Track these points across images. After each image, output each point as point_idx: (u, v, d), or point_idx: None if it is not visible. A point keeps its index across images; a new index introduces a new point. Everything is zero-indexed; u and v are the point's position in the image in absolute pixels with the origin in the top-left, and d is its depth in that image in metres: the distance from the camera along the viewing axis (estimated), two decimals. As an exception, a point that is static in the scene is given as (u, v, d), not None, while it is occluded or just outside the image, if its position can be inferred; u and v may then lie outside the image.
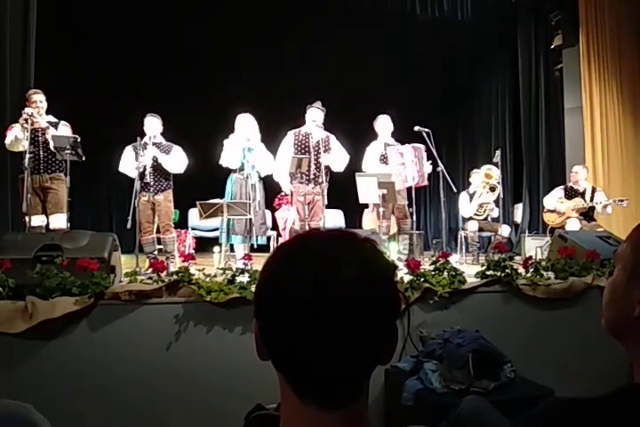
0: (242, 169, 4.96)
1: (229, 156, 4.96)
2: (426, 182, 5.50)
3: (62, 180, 4.55)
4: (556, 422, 0.82)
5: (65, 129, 4.65)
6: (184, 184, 5.20)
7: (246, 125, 5.02)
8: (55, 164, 4.55)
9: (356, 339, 0.65)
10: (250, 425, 1.02)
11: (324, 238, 0.72)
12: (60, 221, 4.44)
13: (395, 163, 5.32)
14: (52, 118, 4.70)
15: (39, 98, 4.59)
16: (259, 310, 0.70)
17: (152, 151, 4.73)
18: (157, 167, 4.78)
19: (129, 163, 4.76)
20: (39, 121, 4.48)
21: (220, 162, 5.02)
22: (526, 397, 2.48)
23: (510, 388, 2.59)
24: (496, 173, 6.09)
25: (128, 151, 4.82)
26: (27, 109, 4.36)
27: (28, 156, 4.15)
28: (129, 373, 2.79)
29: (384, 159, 5.39)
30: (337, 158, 5.18)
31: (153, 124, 4.86)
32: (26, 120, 4.27)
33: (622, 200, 5.86)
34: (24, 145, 4.25)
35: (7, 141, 4.35)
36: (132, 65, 7.36)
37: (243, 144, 4.94)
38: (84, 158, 4.60)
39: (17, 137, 4.29)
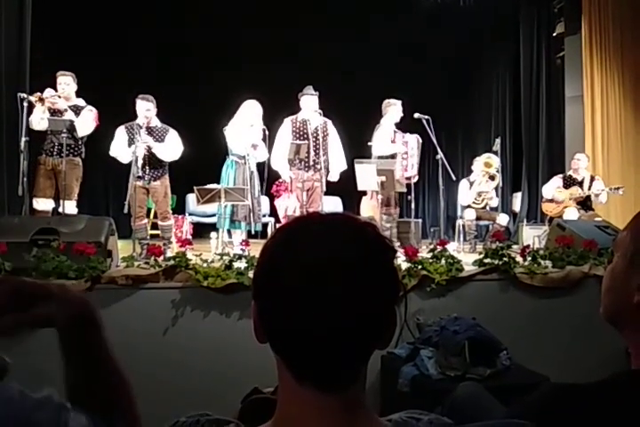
0: (243, 155, 4.92)
1: (241, 140, 4.88)
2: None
3: (76, 164, 4.52)
4: (553, 407, 0.83)
5: (88, 114, 4.59)
6: (181, 169, 5.16)
7: (252, 112, 4.96)
8: (70, 147, 4.47)
9: (354, 322, 0.65)
10: (247, 409, 1.03)
11: (325, 221, 0.71)
12: (69, 207, 4.43)
13: (401, 149, 5.34)
14: (80, 102, 4.66)
15: (64, 80, 4.55)
16: (258, 291, 0.69)
17: (145, 140, 4.57)
18: (151, 156, 4.62)
19: (120, 147, 4.62)
20: (57, 102, 4.44)
21: (235, 149, 4.92)
22: (521, 384, 2.50)
23: (506, 375, 2.61)
24: (496, 161, 6.06)
25: (120, 134, 4.66)
26: (46, 90, 4.39)
27: (24, 139, 4.12)
28: (125, 357, 2.77)
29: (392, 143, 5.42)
30: (337, 159, 5.18)
31: (145, 108, 4.63)
32: (40, 100, 4.27)
33: (618, 188, 5.84)
34: (45, 126, 4.31)
35: (30, 119, 4.35)
36: (129, 48, 7.27)
37: (246, 130, 4.89)
38: (80, 142, 4.56)
39: (41, 118, 4.33)
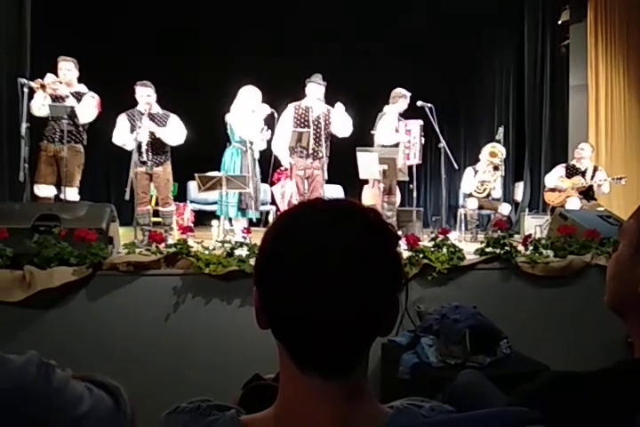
0: (244, 142, 4.90)
1: (247, 126, 4.85)
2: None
3: (78, 151, 4.52)
4: (553, 395, 0.82)
5: (90, 101, 4.56)
6: (183, 157, 5.14)
7: (252, 97, 4.92)
8: (72, 134, 4.47)
9: (357, 308, 0.64)
10: (248, 395, 1.03)
11: (328, 207, 0.71)
12: (71, 194, 4.43)
13: (404, 138, 5.30)
14: (82, 88, 4.63)
15: (65, 66, 4.52)
16: (259, 277, 0.69)
17: (148, 125, 4.56)
18: (154, 142, 4.62)
19: (123, 134, 4.62)
20: (58, 88, 4.43)
21: (243, 135, 4.88)
22: (522, 372, 2.50)
23: (506, 363, 2.61)
24: (501, 151, 6.03)
25: (122, 121, 4.66)
26: (47, 76, 4.38)
27: (24, 125, 4.10)
28: (126, 343, 2.80)
29: (396, 132, 5.38)
30: (341, 125, 5.11)
31: (145, 94, 4.63)
32: (42, 86, 4.28)
33: (620, 178, 5.81)
34: (46, 112, 4.32)
35: (31, 105, 4.34)
36: (130, 33, 7.21)
37: (248, 116, 4.86)
38: (82, 128, 4.54)
39: (42, 104, 4.33)
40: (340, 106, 5.11)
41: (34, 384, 0.73)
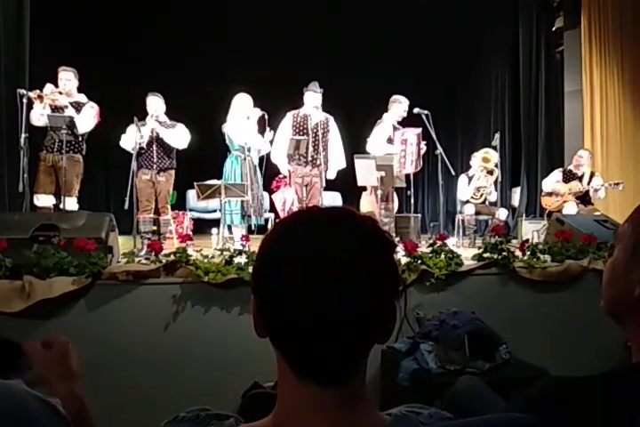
0: (243, 150, 4.93)
1: (247, 133, 4.89)
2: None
3: (76, 160, 4.55)
4: (553, 400, 0.82)
5: (89, 111, 4.60)
6: (182, 165, 5.16)
7: (246, 105, 4.98)
8: (70, 144, 4.48)
9: (354, 316, 0.64)
10: (247, 403, 1.04)
11: (324, 215, 0.71)
12: (70, 204, 4.45)
13: (397, 149, 5.30)
14: (82, 98, 4.67)
15: (65, 75, 4.56)
16: (257, 285, 0.69)
17: (153, 125, 4.66)
18: (161, 143, 4.74)
19: (130, 138, 4.68)
20: (57, 99, 4.46)
21: (242, 143, 4.92)
22: (521, 377, 2.51)
23: (505, 369, 2.62)
24: (494, 156, 6.05)
25: (131, 129, 4.74)
26: (47, 86, 4.41)
27: (23, 135, 4.12)
28: (127, 353, 2.80)
29: (390, 142, 5.35)
30: (335, 161, 5.16)
31: (155, 104, 4.80)
32: (39, 97, 4.31)
33: (618, 184, 5.83)
34: (45, 122, 4.36)
35: (30, 115, 4.37)
36: (132, 42, 7.24)
37: (244, 124, 4.89)
38: (81, 138, 4.56)
39: (40, 114, 4.36)
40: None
41: (34, 409, 0.73)
